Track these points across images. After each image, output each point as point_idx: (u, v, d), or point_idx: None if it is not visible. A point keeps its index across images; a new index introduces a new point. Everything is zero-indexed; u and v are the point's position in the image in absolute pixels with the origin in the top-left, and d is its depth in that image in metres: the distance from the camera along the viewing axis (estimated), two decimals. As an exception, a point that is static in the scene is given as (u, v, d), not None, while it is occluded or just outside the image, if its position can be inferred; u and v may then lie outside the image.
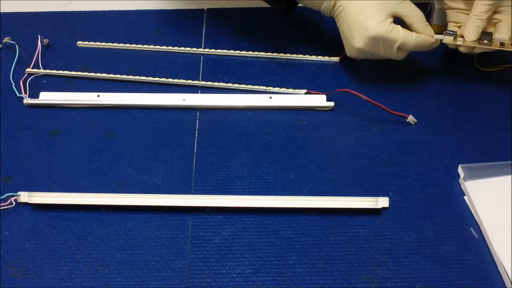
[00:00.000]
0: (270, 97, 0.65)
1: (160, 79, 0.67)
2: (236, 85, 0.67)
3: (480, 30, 0.62)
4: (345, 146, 0.61)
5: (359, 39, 0.62)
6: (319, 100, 0.65)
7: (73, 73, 0.69)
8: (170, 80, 0.67)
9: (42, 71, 0.69)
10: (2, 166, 0.60)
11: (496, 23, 0.63)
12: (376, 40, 0.61)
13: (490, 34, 0.62)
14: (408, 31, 0.62)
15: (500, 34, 0.62)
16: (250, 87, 0.67)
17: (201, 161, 0.60)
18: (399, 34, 0.61)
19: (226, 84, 0.67)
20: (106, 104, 0.65)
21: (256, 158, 0.60)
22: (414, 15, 0.62)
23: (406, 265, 0.52)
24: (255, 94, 0.66)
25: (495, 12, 0.63)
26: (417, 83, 0.67)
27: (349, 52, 0.65)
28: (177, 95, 0.66)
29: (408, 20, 0.62)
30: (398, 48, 0.62)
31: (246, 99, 0.65)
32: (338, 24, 0.65)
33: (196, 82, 0.67)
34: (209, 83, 0.67)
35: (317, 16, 0.71)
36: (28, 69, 0.69)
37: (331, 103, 0.64)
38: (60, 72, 0.69)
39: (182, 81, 0.67)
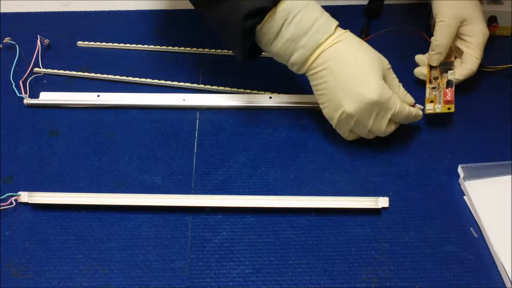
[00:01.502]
0: (270, 97, 0.65)
1: (160, 81, 0.67)
2: (234, 89, 0.67)
3: (443, 56, 0.63)
4: (345, 146, 0.61)
5: (354, 103, 0.54)
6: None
7: (74, 73, 0.69)
8: (169, 82, 0.67)
9: (46, 70, 0.69)
10: (2, 166, 0.60)
11: (461, 53, 0.64)
12: (374, 105, 0.55)
13: (451, 63, 0.65)
14: (401, 101, 0.57)
15: (464, 68, 0.64)
16: (248, 91, 0.67)
17: (201, 161, 0.60)
18: (396, 101, 0.56)
19: (224, 88, 0.67)
20: (106, 104, 0.65)
21: (256, 158, 0.60)
22: (396, 84, 0.59)
23: (406, 265, 0.52)
24: (255, 94, 0.66)
25: (460, 38, 0.64)
26: (417, 83, 0.67)
27: (331, 119, 0.58)
28: (177, 95, 0.66)
29: (391, 88, 0.57)
30: (391, 119, 0.57)
31: (246, 99, 0.65)
32: (316, 85, 0.57)
33: (195, 85, 0.67)
34: (208, 87, 0.67)
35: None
36: (36, 69, 0.69)
37: None
38: (62, 72, 0.69)
39: (181, 83, 0.67)
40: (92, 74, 0.68)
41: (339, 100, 0.55)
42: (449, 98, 0.62)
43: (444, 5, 0.64)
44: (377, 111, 0.55)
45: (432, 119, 0.64)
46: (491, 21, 0.72)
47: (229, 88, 0.67)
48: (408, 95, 0.60)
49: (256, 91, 0.67)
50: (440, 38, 0.63)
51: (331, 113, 0.57)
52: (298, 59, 0.56)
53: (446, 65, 0.65)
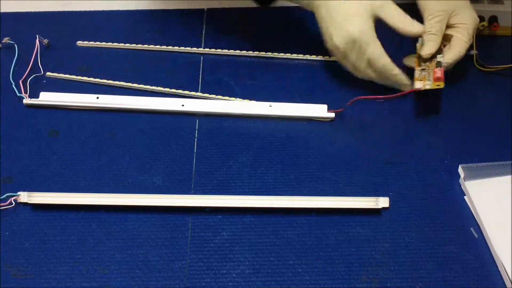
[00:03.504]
0: (270, 106, 0.65)
1: (158, 88, 0.67)
2: (233, 99, 0.66)
3: (436, 45, 0.63)
4: (345, 146, 0.61)
5: (339, 36, 0.61)
6: (320, 111, 0.64)
7: (73, 77, 0.69)
8: (167, 89, 0.67)
9: (52, 74, 0.69)
10: (2, 166, 0.60)
11: (451, 37, 0.64)
12: (354, 42, 0.60)
13: (439, 49, 0.64)
14: (385, 54, 0.61)
15: (452, 51, 0.63)
16: (247, 101, 0.66)
17: (201, 161, 0.60)
18: (378, 47, 0.60)
19: (223, 97, 0.66)
20: (105, 107, 0.65)
21: (256, 158, 0.60)
22: (397, 14, 0.61)
23: (406, 265, 0.52)
24: (255, 101, 0.66)
25: (450, 27, 0.64)
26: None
27: (328, 45, 0.64)
28: (176, 100, 0.65)
29: (390, 21, 0.62)
30: (368, 63, 0.62)
31: (245, 107, 0.65)
32: (318, 16, 0.64)
33: (193, 93, 0.66)
34: (206, 95, 0.66)
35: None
36: (48, 73, 0.69)
37: (332, 114, 0.63)
38: (62, 75, 0.69)
39: (180, 91, 0.67)
40: (91, 79, 0.68)
41: (331, 31, 0.62)
42: (439, 75, 0.61)
43: (432, 3, 0.64)
44: (358, 47, 0.61)
45: (424, 103, 0.63)
46: (491, 21, 0.72)
47: (227, 98, 0.66)
48: (415, 23, 0.62)
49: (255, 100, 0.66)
50: (433, 37, 0.63)
51: (327, 45, 0.64)
52: (304, 3, 0.64)
53: (435, 51, 0.65)
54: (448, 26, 0.64)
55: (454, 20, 0.64)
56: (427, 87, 0.62)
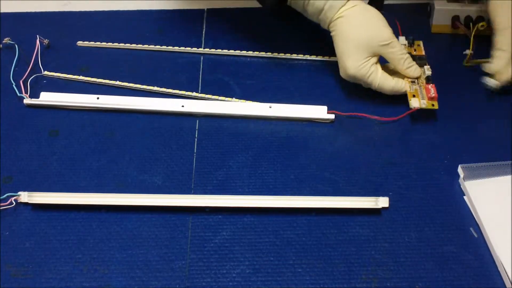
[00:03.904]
0: (270, 107, 0.65)
1: (158, 88, 0.67)
2: (233, 99, 0.66)
3: (504, 63, 0.62)
4: (345, 146, 0.61)
5: (342, 72, 0.64)
6: (320, 112, 0.64)
7: (75, 77, 0.69)
8: (164, 89, 0.67)
9: (51, 73, 0.69)
10: (2, 166, 0.60)
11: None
12: (355, 78, 0.63)
13: (424, 57, 0.66)
14: (387, 77, 0.63)
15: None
16: (247, 102, 0.66)
17: (201, 161, 0.60)
18: (376, 79, 0.62)
19: (223, 98, 0.66)
20: (106, 108, 0.65)
21: (256, 158, 0.60)
22: (397, 57, 0.62)
23: (406, 265, 0.52)
24: (255, 102, 0.65)
25: None
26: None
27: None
28: (176, 101, 0.65)
29: (391, 62, 0.63)
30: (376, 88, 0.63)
31: (245, 108, 0.65)
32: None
33: (193, 94, 0.66)
34: (206, 95, 0.66)
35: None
36: (46, 73, 0.69)
37: (332, 116, 0.63)
38: (63, 75, 0.69)
39: (180, 91, 0.67)
40: (92, 79, 0.68)
41: (339, 65, 0.65)
42: (433, 94, 0.62)
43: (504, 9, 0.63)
44: (362, 82, 0.63)
45: (417, 116, 0.63)
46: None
47: (227, 98, 0.66)
48: (413, 67, 0.63)
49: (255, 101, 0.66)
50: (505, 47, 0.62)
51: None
52: (321, 26, 0.65)
53: (421, 60, 0.65)
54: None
55: None
56: (423, 106, 0.62)
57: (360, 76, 0.62)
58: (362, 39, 0.61)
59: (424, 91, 0.63)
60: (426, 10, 0.76)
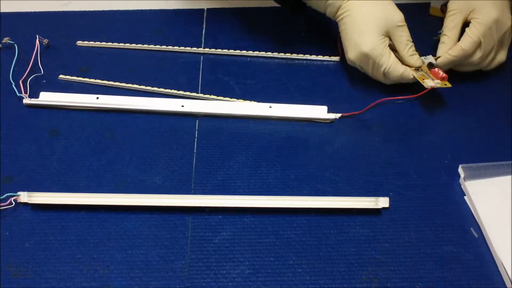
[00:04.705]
0: (270, 107, 0.65)
1: (158, 88, 0.67)
2: (233, 100, 0.66)
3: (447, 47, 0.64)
4: (345, 146, 0.61)
5: (353, 52, 0.63)
6: (320, 112, 0.64)
7: (74, 78, 0.69)
8: (162, 89, 0.67)
9: (68, 77, 0.69)
10: (2, 166, 0.60)
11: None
12: (367, 57, 0.63)
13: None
14: (398, 62, 0.63)
15: (456, 47, 0.63)
16: (247, 102, 0.66)
17: (201, 161, 0.60)
18: (388, 62, 0.62)
19: (223, 98, 0.66)
20: (105, 108, 0.65)
21: (256, 158, 0.60)
22: (405, 42, 0.63)
23: (406, 265, 0.52)
24: (255, 102, 0.65)
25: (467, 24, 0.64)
26: (417, 83, 0.67)
27: (346, 57, 0.66)
28: (176, 101, 0.65)
29: (396, 44, 0.63)
30: (384, 74, 0.64)
31: (245, 108, 0.65)
32: (339, 29, 0.66)
33: (193, 94, 0.66)
34: (206, 95, 0.66)
35: (318, 16, 0.71)
36: (61, 76, 0.69)
37: (332, 116, 0.63)
38: (62, 76, 0.69)
39: (180, 92, 0.67)
40: (92, 80, 0.68)
41: (347, 46, 0.65)
42: (443, 74, 0.62)
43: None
44: (372, 63, 0.63)
45: (424, 103, 0.64)
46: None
47: (227, 98, 0.66)
48: (415, 56, 0.63)
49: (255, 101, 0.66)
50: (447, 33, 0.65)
51: (346, 57, 0.66)
52: (329, 13, 0.66)
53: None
54: (466, 23, 0.65)
55: (470, 16, 0.64)
56: (438, 85, 0.62)
57: (374, 56, 0.62)
58: (380, 17, 0.62)
59: (431, 75, 0.63)
60: (426, 10, 0.76)
